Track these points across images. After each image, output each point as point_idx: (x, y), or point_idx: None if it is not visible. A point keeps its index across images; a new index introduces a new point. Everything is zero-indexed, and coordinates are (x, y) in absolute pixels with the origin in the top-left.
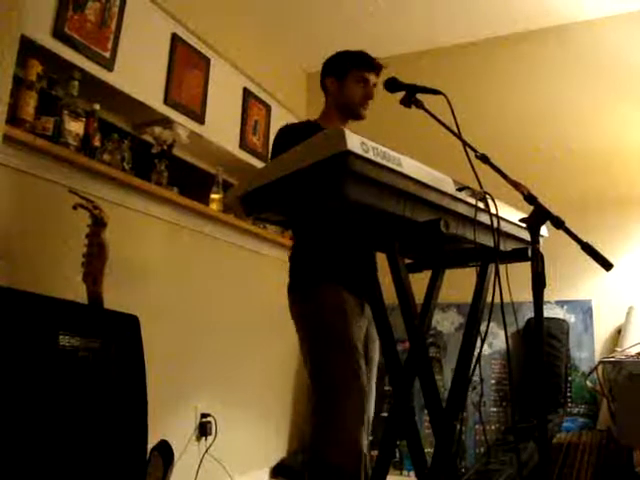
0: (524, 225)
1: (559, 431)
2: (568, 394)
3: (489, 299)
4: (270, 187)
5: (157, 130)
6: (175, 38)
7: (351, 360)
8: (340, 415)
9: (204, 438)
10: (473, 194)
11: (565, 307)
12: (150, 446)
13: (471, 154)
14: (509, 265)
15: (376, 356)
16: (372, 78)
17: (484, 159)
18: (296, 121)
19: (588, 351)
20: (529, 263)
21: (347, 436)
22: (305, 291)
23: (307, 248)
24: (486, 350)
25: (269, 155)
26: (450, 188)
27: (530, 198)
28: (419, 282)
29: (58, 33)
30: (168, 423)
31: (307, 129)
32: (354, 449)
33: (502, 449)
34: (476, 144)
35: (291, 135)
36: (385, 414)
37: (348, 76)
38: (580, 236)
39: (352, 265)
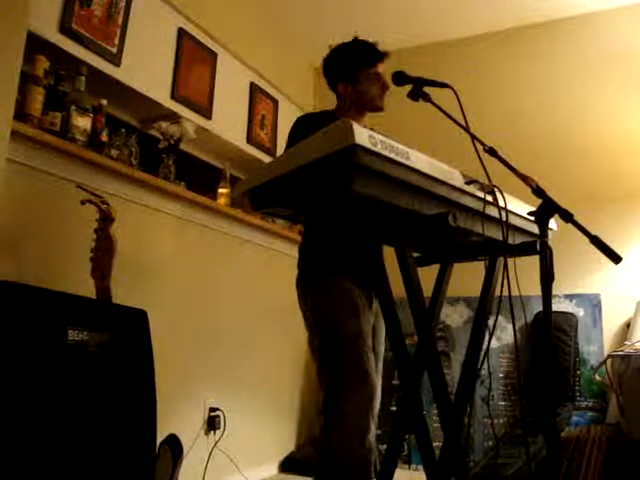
0: (533, 218)
1: (568, 425)
2: (577, 388)
3: (498, 293)
4: (278, 182)
5: (164, 125)
6: (182, 33)
7: (359, 353)
8: (349, 409)
9: (213, 432)
10: (481, 187)
11: (574, 301)
12: (159, 440)
13: (479, 147)
14: (518, 258)
15: (382, 349)
16: (381, 68)
17: (492, 152)
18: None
19: (597, 345)
20: (538, 256)
21: (355, 431)
22: (313, 284)
23: (316, 241)
24: (494, 344)
25: (277, 147)
26: (458, 181)
27: (538, 191)
28: (427, 276)
29: (65, 28)
30: (177, 417)
31: (326, 119)
32: (362, 444)
33: (511, 443)
34: (484, 137)
35: (309, 124)
36: (394, 408)
37: (359, 77)
38: (589, 229)
39: (360, 258)
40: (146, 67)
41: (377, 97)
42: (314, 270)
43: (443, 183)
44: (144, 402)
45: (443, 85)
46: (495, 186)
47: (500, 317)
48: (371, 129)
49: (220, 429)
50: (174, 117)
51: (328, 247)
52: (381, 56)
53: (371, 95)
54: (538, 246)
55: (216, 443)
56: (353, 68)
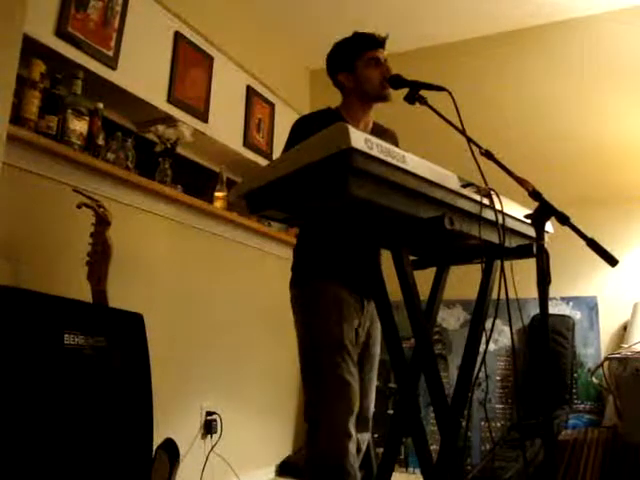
0: (529, 221)
1: (565, 428)
2: (574, 391)
3: (494, 296)
4: (274, 185)
5: (161, 128)
6: (178, 36)
7: (339, 362)
8: (327, 418)
9: (209, 436)
10: (478, 190)
11: (570, 303)
12: (156, 444)
13: (475, 150)
14: (514, 261)
15: (378, 352)
16: (381, 54)
17: (489, 155)
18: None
19: (594, 347)
20: (534, 259)
21: (335, 439)
22: (303, 287)
23: (310, 243)
24: (491, 347)
25: (274, 151)
26: (455, 185)
27: (535, 194)
28: (424, 279)
29: (61, 32)
30: (173, 421)
31: (326, 118)
32: (343, 452)
33: (508, 446)
34: (480, 140)
35: (306, 127)
36: (391, 411)
37: (358, 64)
38: (585, 232)
39: (352, 262)
40: (142, 70)
41: (378, 84)
42: (305, 273)
43: (439, 186)
44: (140, 406)
45: (439, 88)
46: (491, 189)
47: (497, 320)
48: (374, 122)
49: (217, 433)
50: (170, 120)
51: (321, 250)
52: (379, 41)
53: (371, 81)
54: (535, 249)
55: (213, 447)
56: (351, 56)
